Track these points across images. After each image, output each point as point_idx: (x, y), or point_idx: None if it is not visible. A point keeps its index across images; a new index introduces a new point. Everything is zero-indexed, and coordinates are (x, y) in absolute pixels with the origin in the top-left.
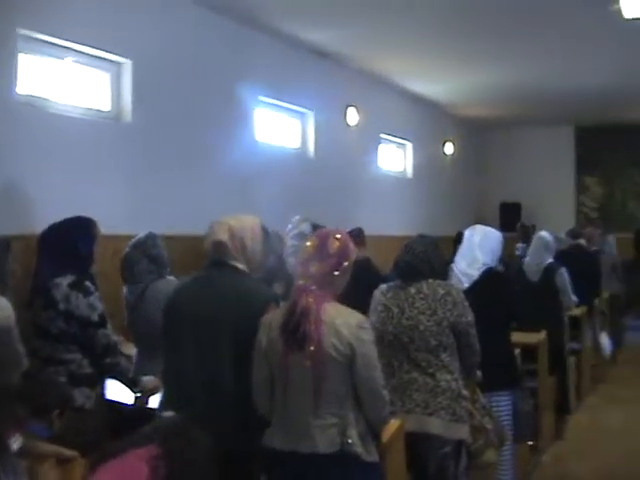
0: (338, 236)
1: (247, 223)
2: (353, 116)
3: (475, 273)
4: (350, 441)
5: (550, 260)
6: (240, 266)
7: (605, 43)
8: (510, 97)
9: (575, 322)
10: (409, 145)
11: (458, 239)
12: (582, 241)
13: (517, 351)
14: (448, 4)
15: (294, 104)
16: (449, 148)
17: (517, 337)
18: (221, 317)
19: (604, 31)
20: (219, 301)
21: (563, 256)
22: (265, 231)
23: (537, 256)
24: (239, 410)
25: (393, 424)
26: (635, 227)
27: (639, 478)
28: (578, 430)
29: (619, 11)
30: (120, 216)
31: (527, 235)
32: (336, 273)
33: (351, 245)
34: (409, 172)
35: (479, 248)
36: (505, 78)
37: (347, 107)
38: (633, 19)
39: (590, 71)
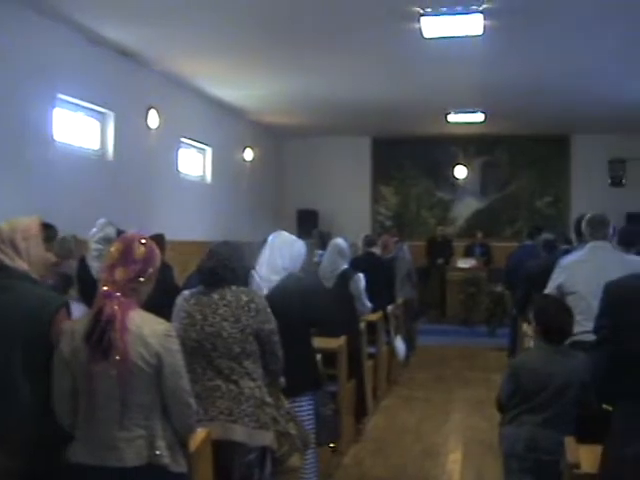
0: (143, 241)
1: (19, 225)
2: (154, 119)
3: (276, 279)
4: (158, 452)
5: (345, 266)
6: (21, 269)
7: (405, 60)
8: (309, 106)
9: (371, 327)
10: (209, 150)
11: (264, 245)
12: (376, 249)
13: (319, 356)
14: (250, 12)
15: (94, 104)
16: (249, 154)
17: (318, 342)
18: (8, 328)
19: (405, 48)
20: (3, 312)
21: (357, 263)
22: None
23: (331, 262)
24: (35, 426)
25: (200, 433)
26: (428, 235)
27: (432, 473)
28: (376, 431)
29: (420, 30)
30: None
31: (324, 242)
32: (141, 279)
33: (157, 251)
34: (209, 177)
35: (280, 254)
36: (304, 88)
37: (148, 109)
38: (432, 38)
39: (387, 85)
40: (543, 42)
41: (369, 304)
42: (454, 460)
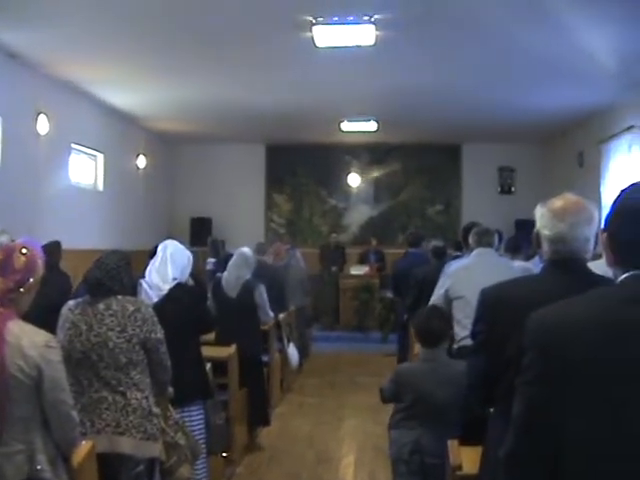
0: (24, 251)
1: None
2: (44, 124)
3: (166, 287)
4: (39, 467)
5: (248, 276)
6: None
7: (298, 68)
8: (202, 114)
9: (264, 335)
10: (100, 156)
11: (153, 253)
12: (267, 257)
13: (209, 365)
14: (144, 18)
15: None
16: (142, 161)
17: (208, 351)
18: None
19: (298, 57)
20: None
21: None
22: None
23: (237, 272)
24: None
25: (84, 446)
26: (321, 242)
27: (326, 478)
28: (270, 439)
29: (312, 39)
30: None
31: (217, 250)
32: (22, 290)
33: (39, 261)
34: (100, 185)
35: (171, 263)
36: (198, 95)
37: (38, 114)
38: (324, 47)
39: (281, 93)
40: (433, 54)
41: (272, 314)
42: (347, 465)
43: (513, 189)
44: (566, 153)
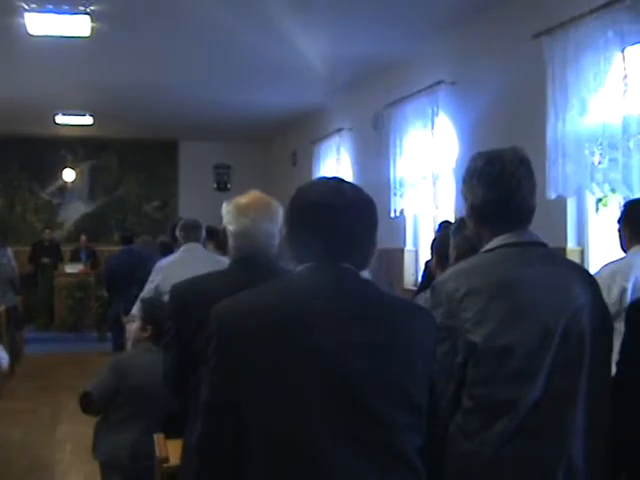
0: None
1: None
2: None
3: None
4: None
5: None
6: None
7: (11, 56)
8: None
9: None
10: None
11: None
12: None
13: None
14: None
15: None
16: None
17: None
18: None
19: (10, 44)
20: None
21: None
22: None
23: None
24: None
25: None
26: (33, 240)
27: None
28: None
29: (25, 26)
30: None
31: None
32: None
33: None
34: None
35: None
36: None
37: None
38: (38, 36)
39: None
40: (150, 49)
41: None
42: (62, 471)
43: (229, 186)
44: (281, 152)
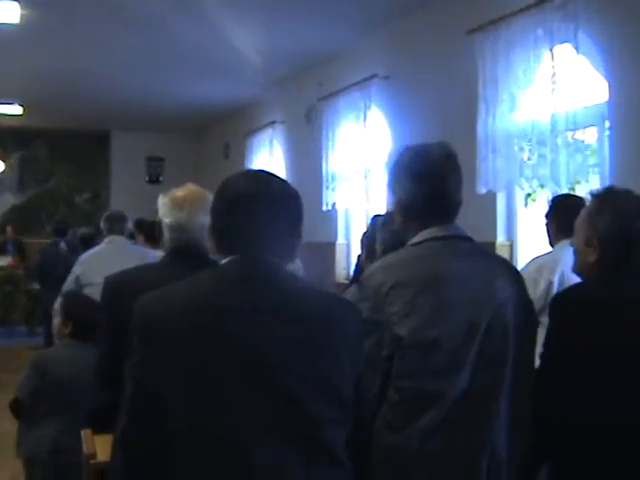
0: None
1: None
2: None
3: None
4: None
5: None
6: None
7: None
8: None
9: None
10: None
11: None
12: None
13: None
14: None
15: None
16: None
17: None
18: None
19: None
20: None
21: None
22: None
23: None
24: None
25: None
26: None
27: None
28: None
29: None
30: None
31: None
32: None
33: None
34: None
35: None
36: None
37: None
38: None
39: None
40: (80, 37)
41: None
42: None
43: (161, 179)
44: (214, 144)
